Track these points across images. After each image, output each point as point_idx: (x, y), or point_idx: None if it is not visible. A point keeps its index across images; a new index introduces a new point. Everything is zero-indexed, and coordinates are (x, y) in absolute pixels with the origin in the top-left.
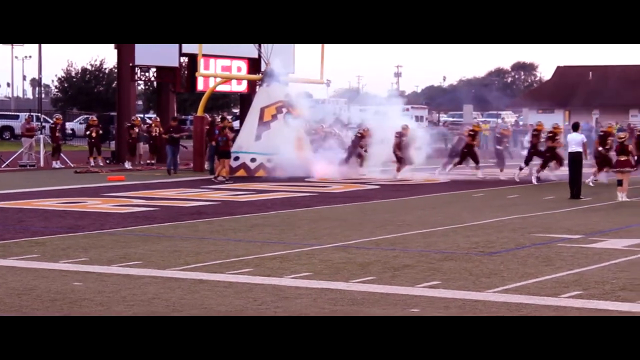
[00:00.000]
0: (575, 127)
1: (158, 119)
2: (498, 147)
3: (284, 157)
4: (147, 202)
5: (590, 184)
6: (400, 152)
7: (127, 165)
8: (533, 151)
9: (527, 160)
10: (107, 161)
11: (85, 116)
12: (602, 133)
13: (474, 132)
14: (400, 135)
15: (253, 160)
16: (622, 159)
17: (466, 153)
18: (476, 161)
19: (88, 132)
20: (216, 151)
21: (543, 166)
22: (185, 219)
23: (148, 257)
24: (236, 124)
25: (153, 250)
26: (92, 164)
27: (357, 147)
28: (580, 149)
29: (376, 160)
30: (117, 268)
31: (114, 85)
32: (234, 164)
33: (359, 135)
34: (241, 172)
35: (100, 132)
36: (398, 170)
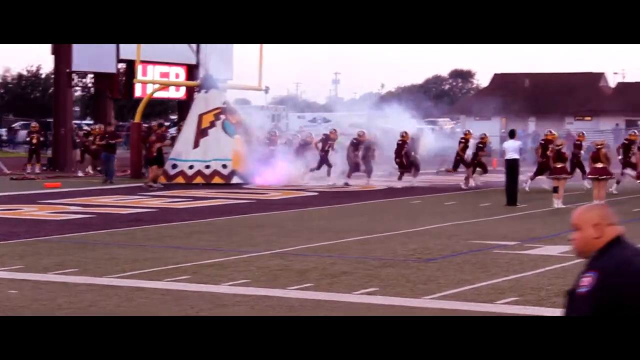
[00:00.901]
0: (512, 134)
1: (102, 126)
2: (575, 152)
3: (223, 164)
4: (84, 209)
5: (527, 189)
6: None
7: (80, 173)
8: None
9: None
10: (44, 168)
11: (23, 122)
12: (542, 141)
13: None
14: (465, 141)
15: (191, 167)
16: (558, 166)
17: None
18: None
19: (29, 139)
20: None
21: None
22: (122, 226)
23: (84, 265)
24: (173, 130)
25: (89, 258)
26: (29, 170)
27: (406, 154)
28: (517, 156)
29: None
30: (53, 276)
31: (50, 91)
32: (172, 171)
33: (400, 141)
34: (179, 179)
35: (42, 138)
36: (467, 178)
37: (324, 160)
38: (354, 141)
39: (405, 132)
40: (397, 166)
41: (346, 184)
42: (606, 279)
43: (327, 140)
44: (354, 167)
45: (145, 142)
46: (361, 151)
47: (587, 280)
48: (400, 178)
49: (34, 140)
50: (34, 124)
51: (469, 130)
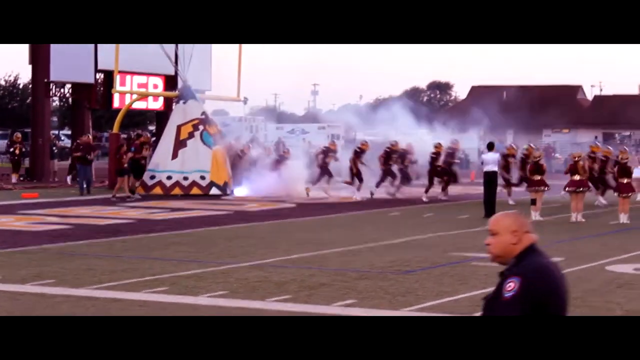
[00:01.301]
0: (490, 147)
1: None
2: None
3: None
4: (62, 219)
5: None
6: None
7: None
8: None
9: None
10: (21, 178)
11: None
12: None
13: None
14: (451, 150)
15: (169, 178)
16: (536, 178)
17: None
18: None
19: (12, 149)
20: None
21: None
22: (100, 236)
23: (62, 276)
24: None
25: (67, 269)
26: (14, 180)
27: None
28: (495, 168)
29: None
30: (30, 287)
31: (28, 101)
32: (150, 182)
33: (434, 153)
34: (157, 190)
35: (23, 149)
36: (443, 189)
37: (356, 173)
38: (387, 150)
39: (439, 144)
40: (437, 178)
41: (372, 194)
42: (530, 284)
43: (362, 153)
44: (384, 177)
45: (116, 153)
46: (394, 161)
47: (512, 285)
48: (444, 189)
49: (17, 151)
50: (17, 134)
51: (456, 140)
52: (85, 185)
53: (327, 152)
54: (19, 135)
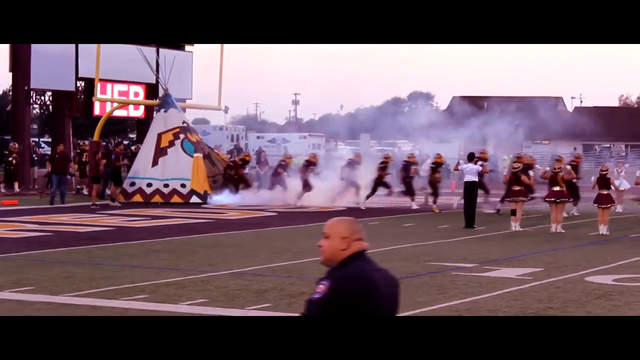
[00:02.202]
0: (471, 157)
1: (86, 143)
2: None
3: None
4: (41, 226)
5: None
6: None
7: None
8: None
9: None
10: (3, 186)
11: None
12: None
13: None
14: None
15: (149, 185)
16: (515, 188)
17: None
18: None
19: (10, 159)
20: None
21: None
22: (79, 244)
23: (41, 283)
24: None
25: (46, 276)
26: (16, 189)
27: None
28: (475, 179)
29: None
30: (9, 294)
31: (8, 108)
32: (130, 189)
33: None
34: (137, 198)
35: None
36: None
37: (409, 187)
38: (405, 162)
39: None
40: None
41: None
42: (339, 288)
43: (411, 165)
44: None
45: (93, 160)
46: (414, 172)
47: (321, 288)
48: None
49: (14, 161)
50: (14, 144)
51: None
52: (54, 196)
53: (410, 166)
54: (16, 145)
